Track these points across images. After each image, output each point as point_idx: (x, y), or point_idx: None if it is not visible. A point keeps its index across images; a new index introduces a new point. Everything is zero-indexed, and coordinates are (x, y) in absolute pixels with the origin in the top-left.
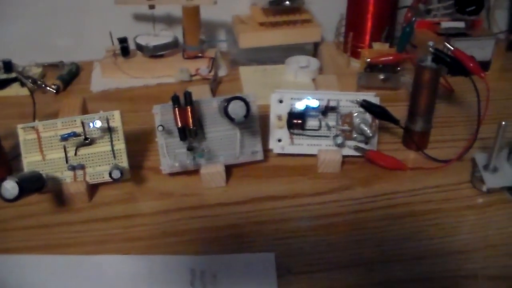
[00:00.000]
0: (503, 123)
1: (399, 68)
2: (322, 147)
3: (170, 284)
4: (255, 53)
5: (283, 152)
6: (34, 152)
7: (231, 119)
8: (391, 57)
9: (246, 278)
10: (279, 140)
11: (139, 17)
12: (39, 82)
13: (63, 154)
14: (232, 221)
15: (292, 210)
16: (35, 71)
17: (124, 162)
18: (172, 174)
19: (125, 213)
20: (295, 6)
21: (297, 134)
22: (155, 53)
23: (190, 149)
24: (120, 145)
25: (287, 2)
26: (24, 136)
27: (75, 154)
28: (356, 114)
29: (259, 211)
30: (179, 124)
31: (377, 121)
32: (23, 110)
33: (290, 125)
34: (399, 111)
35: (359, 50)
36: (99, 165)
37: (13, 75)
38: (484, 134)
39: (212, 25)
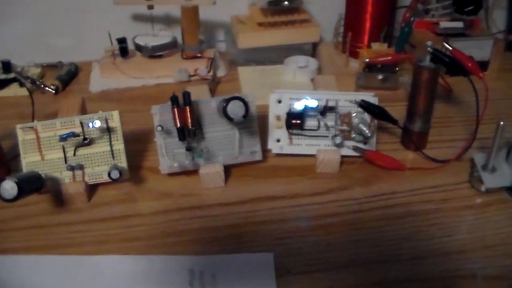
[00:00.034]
0: (502, 123)
1: (397, 68)
2: (321, 147)
3: (169, 284)
4: (254, 53)
5: (281, 152)
6: (33, 152)
7: (230, 119)
8: (389, 57)
9: (245, 278)
10: (278, 140)
11: (138, 18)
12: (38, 82)
13: (62, 154)
14: (231, 221)
15: (291, 210)
16: (34, 72)
17: (123, 162)
18: (171, 174)
19: (124, 213)
20: (293, 6)
21: (296, 134)
22: (154, 53)
23: (189, 149)
24: (119, 145)
25: (286, 2)
26: (23, 136)
27: (74, 154)
28: (354, 114)
29: (258, 211)
30: (178, 124)
31: (375, 121)
32: (22, 111)
33: (289, 125)
34: (397, 111)
35: (358, 50)
36: (98, 165)
37: (12, 75)
38: (483, 134)
39: (211, 25)
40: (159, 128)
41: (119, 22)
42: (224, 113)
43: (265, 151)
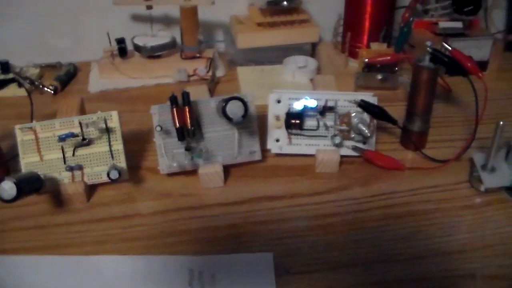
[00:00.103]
0: (501, 122)
1: (397, 68)
2: (320, 147)
3: (169, 284)
4: (253, 53)
5: (281, 152)
6: (32, 152)
7: (229, 119)
8: (389, 57)
9: (245, 278)
10: (277, 140)
11: (137, 18)
12: (36, 82)
13: (61, 155)
14: (230, 221)
15: (290, 210)
16: (33, 72)
17: (122, 163)
18: (170, 174)
19: (123, 213)
20: (292, 6)
21: (295, 134)
22: (153, 53)
23: (188, 149)
24: (118, 145)
25: (285, 3)
26: (22, 136)
27: (73, 154)
28: (354, 114)
29: (257, 211)
30: (177, 124)
31: (375, 121)
32: (21, 111)
33: (288, 125)
34: (397, 111)
35: (357, 50)
36: (97, 166)
37: (11, 75)
38: (482, 134)
39: (210, 26)
40: (158, 128)
41: (118, 23)
42: (223, 113)
43: (264, 151)
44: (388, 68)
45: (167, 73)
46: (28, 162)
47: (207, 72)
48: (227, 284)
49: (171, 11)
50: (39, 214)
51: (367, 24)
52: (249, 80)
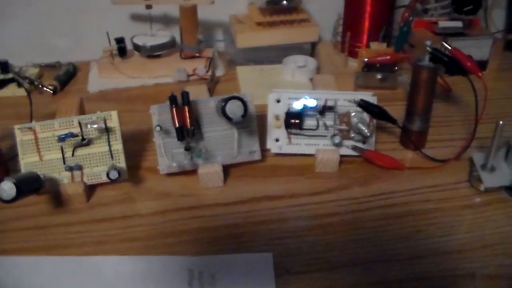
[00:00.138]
0: (501, 122)
1: (396, 68)
2: (320, 147)
3: (168, 284)
4: (253, 52)
5: (280, 152)
6: (31, 153)
7: (228, 119)
8: (388, 57)
9: (244, 278)
10: (277, 140)
11: (136, 17)
12: (36, 82)
13: (60, 155)
14: (230, 221)
15: (290, 210)
16: (32, 72)
17: (121, 163)
18: (170, 174)
19: (123, 213)
20: (292, 6)
21: (294, 134)
22: (152, 53)
23: (187, 149)
24: (118, 145)
25: (285, 2)
26: (21, 136)
27: (73, 154)
28: (353, 113)
29: (257, 211)
30: (177, 124)
31: (374, 120)
32: (20, 111)
33: (288, 125)
34: (396, 110)
35: (357, 49)
36: (97, 166)
37: (10, 75)
38: (482, 134)
39: (209, 25)
40: (158, 128)
41: (117, 22)
42: (223, 112)
43: (264, 150)
44: (388, 67)
45: (167, 72)
46: (27, 162)
47: (207, 71)
48: (227, 284)
49: (170, 11)
50: (38, 215)
51: (366, 23)
52: (249, 79)
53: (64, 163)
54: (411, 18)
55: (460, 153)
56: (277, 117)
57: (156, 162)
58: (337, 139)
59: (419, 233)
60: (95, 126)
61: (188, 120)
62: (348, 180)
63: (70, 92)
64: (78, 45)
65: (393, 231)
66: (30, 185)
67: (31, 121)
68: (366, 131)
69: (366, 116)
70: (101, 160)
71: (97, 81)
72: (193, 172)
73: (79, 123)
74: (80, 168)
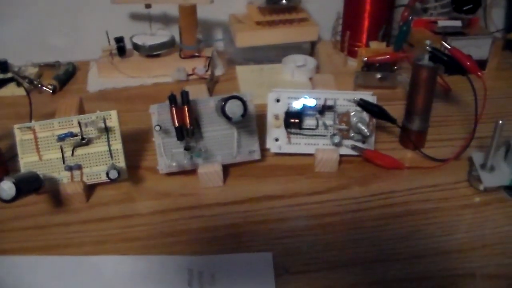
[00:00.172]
0: (500, 122)
1: (396, 67)
2: (319, 146)
3: (168, 284)
4: (252, 52)
5: (280, 152)
6: (31, 152)
7: (228, 118)
8: (388, 56)
9: (244, 278)
10: (276, 140)
11: (136, 17)
12: (35, 82)
13: (60, 155)
14: (230, 220)
15: (290, 209)
16: (31, 71)
17: (121, 162)
18: (170, 174)
19: (122, 213)
20: (291, 5)
21: (294, 133)
22: (151, 52)
23: (187, 148)
24: (117, 145)
25: (284, 1)
26: (21, 136)
27: (72, 154)
28: (353, 113)
29: (257, 210)
30: (176, 124)
31: (374, 120)
32: (20, 110)
33: (287, 124)
34: (396, 110)
35: (356, 49)
36: (96, 165)
37: (9, 75)
38: (481, 133)
39: (208, 24)
40: (157, 128)
41: (116, 21)
42: (223, 112)
43: (263, 150)
44: (387, 67)
45: (166, 72)
46: (27, 161)
47: (206, 71)
48: (226, 283)
49: (170, 10)
50: (38, 214)
51: (366, 23)
52: (248, 79)
53: (63, 162)
54: (410, 18)
55: (459, 153)
56: (276, 117)
57: (156, 161)
58: (336, 139)
59: (419, 232)
60: (95, 125)
61: (188, 120)
62: (347, 180)
63: (70, 92)
64: (78, 45)
65: (392, 231)
66: (29, 184)
67: (30, 120)
68: (365, 130)
69: (365, 115)
70: (100, 159)
71: (96, 80)
72: (192, 171)
73: (79, 123)
74: (79, 167)
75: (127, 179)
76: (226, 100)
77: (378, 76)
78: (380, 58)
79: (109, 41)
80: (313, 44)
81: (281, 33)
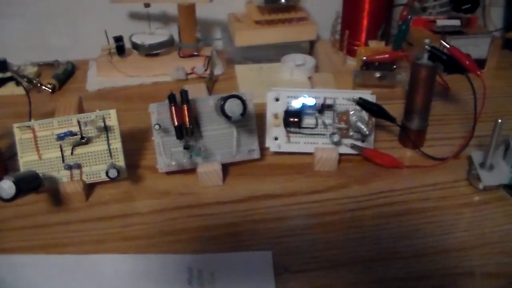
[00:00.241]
0: (499, 120)
1: (395, 66)
2: (319, 145)
3: (168, 283)
4: (251, 51)
5: (279, 151)
6: (30, 151)
7: (227, 117)
8: (387, 55)
9: (244, 277)
10: (276, 138)
11: (135, 16)
12: (34, 81)
13: (59, 154)
14: (229, 219)
15: (289, 208)
16: (31, 70)
17: (120, 161)
18: (169, 173)
19: (122, 212)
20: (291, 4)
21: (293, 132)
22: (150, 51)
23: (186, 147)
24: (117, 144)
25: (283, 0)
26: (20, 135)
27: (72, 153)
28: (352, 112)
29: (256, 209)
30: (176, 123)
31: (373, 119)
32: (19, 110)
33: (287, 123)
34: (395, 109)
35: (355, 48)
36: (96, 164)
37: (8, 74)
38: (481, 132)
39: (207, 24)
40: (157, 127)
41: (115, 21)
42: (222, 111)
43: (263, 149)
44: (387, 66)
45: (165, 71)
46: (26, 161)
47: (205, 70)
48: (226, 282)
49: (169, 9)
50: (37, 213)
51: (365, 22)
52: (247, 78)
53: (63, 161)
54: (409, 17)
55: (458, 152)
56: (276, 116)
57: (155, 160)
58: (336, 138)
59: (418, 231)
60: (94, 124)
61: (187, 119)
62: (347, 179)
63: (69, 91)
64: (77, 44)
65: (392, 230)
66: (29, 183)
67: (30, 119)
68: (365, 129)
69: (365, 114)
70: (100, 158)
71: (95, 79)
72: (192, 170)
73: (78, 122)
74: (79, 166)
75: (126, 178)
76: (225, 99)
77: (377, 75)
78: (379, 57)
79: (108, 40)
80: (312, 43)
81: (280, 32)
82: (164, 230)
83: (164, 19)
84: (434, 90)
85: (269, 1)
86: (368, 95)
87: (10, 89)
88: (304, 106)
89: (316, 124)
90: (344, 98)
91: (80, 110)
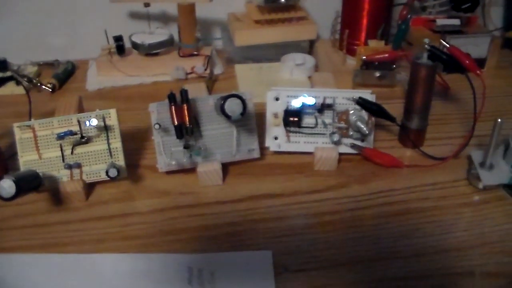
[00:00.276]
0: (499, 120)
1: (395, 66)
2: (319, 145)
3: (168, 282)
4: (251, 50)
5: (279, 150)
6: (30, 151)
7: (227, 116)
8: (386, 55)
9: (244, 276)
10: (276, 138)
11: (135, 15)
12: (34, 80)
13: (59, 153)
14: (229, 219)
15: (289, 208)
16: (31, 70)
17: (120, 161)
18: (169, 173)
19: (122, 211)
20: (290, 4)
21: (293, 132)
22: (150, 51)
23: (186, 147)
24: (117, 143)
25: (283, 0)
26: (20, 134)
27: (72, 152)
28: (352, 111)
29: (256, 209)
30: (176, 122)
31: (373, 118)
32: (19, 109)
33: (287, 123)
34: (395, 108)
35: (355, 47)
36: (96, 164)
37: (8, 74)
38: (480, 132)
39: (207, 23)
40: (157, 126)
41: (115, 20)
42: (222, 110)
43: (262, 148)
44: (386, 65)
45: (165, 70)
46: (26, 160)
47: (205, 69)
48: (226, 282)
49: (168, 9)
50: (37, 212)
51: (364, 21)
52: (247, 77)
53: (63, 161)
54: (409, 16)
55: (458, 151)
56: (275, 115)
57: (155, 160)
58: (335, 137)
59: (418, 231)
60: (94, 124)
61: (187, 118)
62: (346, 178)
63: (69, 91)
64: (77, 43)
65: (391, 229)
66: (29, 183)
67: (30, 119)
68: (364, 129)
69: (364, 114)
70: (100, 158)
71: (95, 79)
72: (192, 170)
73: (78, 121)
74: (79, 166)
75: (126, 178)
76: (225, 98)
77: (377, 74)
78: (379, 56)
79: (108, 40)
80: (312, 43)
81: (280, 31)
82: (164, 230)
83: (164, 18)
84: (434, 89)
85: (269, 1)
86: (367, 95)
87: (10, 88)
88: (304, 105)
89: (316, 124)
90: (344, 97)
91: (80, 109)
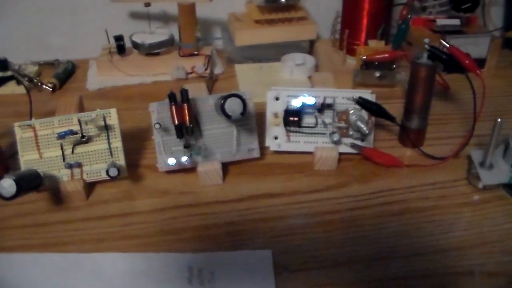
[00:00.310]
0: (499, 120)
1: (394, 66)
2: (319, 144)
3: (168, 281)
4: (251, 50)
5: (279, 150)
6: (31, 150)
7: (227, 116)
8: (386, 55)
9: (244, 276)
10: (276, 138)
11: (135, 15)
12: (35, 80)
13: (60, 152)
14: (229, 218)
15: (289, 207)
16: (31, 70)
17: (121, 160)
18: (169, 172)
19: (122, 211)
20: (290, 4)
21: (293, 132)
22: (151, 51)
23: (186, 146)
24: (117, 143)
25: (283, 0)
26: (21, 134)
27: (72, 152)
28: (352, 111)
29: (256, 208)
30: (176, 122)
31: (373, 118)
32: (19, 109)
33: (287, 123)
34: (395, 108)
35: (355, 47)
36: (96, 163)
37: (9, 73)
38: (480, 131)
39: (208, 23)
40: (157, 126)
41: (116, 20)
42: (222, 110)
43: (262, 148)
44: (386, 65)
45: (165, 70)
46: (27, 159)
47: (205, 69)
48: (226, 281)
49: (169, 8)
50: (38, 212)
51: (365, 21)
52: (247, 77)
53: (63, 160)
54: (409, 16)
55: (458, 151)
56: (275, 115)
57: (155, 159)
58: (335, 137)
59: (418, 230)
60: (95, 123)
61: (187, 118)
62: (346, 178)
63: (69, 90)
64: (77, 43)
65: (391, 229)
66: (29, 182)
67: (30, 118)
68: (364, 128)
69: (364, 113)
70: (100, 157)
71: (96, 79)
72: (192, 169)
73: (79, 121)
74: (79, 165)
75: (126, 177)
76: (225, 98)
77: (377, 74)
78: (379, 56)
79: (108, 40)
80: (312, 43)
81: (280, 31)
82: (164, 229)
83: (164, 18)
84: (434, 89)
85: (269, 1)
86: (368, 95)
87: (11, 88)
88: (304, 105)
89: (316, 123)
90: (344, 97)
91: (81, 109)
